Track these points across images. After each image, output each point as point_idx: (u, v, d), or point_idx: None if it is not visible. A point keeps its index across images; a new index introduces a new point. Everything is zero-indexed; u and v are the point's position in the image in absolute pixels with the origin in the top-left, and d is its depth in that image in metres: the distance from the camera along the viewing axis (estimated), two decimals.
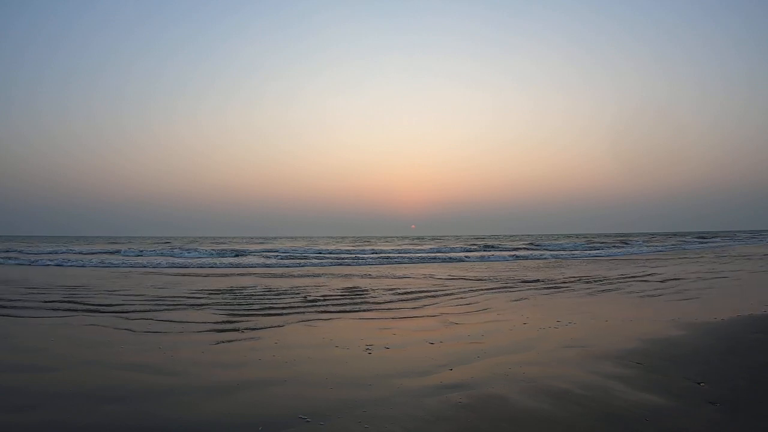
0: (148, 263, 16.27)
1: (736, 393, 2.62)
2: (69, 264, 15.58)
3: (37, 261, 16.25)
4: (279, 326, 4.94)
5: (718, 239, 36.73)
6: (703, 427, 2.20)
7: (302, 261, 17.78)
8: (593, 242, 37.55)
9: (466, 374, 3.07)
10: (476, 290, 8.01)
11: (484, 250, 24.40)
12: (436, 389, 2.79)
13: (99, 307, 6.30)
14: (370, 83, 79.28)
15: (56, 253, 20.76)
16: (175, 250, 22.94)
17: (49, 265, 15.35)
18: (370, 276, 11.22)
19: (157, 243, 37.18)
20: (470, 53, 73.62)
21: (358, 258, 18.56)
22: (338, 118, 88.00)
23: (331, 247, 27.89)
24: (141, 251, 22.64)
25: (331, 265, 16.02)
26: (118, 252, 22.54)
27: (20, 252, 21.32)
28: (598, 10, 61.80)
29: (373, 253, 21.58)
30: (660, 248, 25.72)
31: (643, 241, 34.50)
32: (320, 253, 22.30)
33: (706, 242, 33.10)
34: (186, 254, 21.23)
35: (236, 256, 21.02)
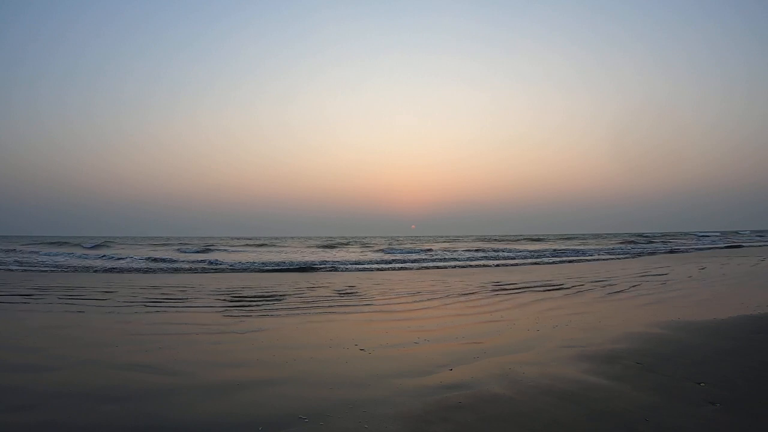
0: None
1: (736, 393, 2.62)
2: None
3: None
4: (278, 326, 4.94)
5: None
6: (703, 427, 2.20)
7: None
8: (591, 243, 37.57)
9: (466, 374, 3.07)
10: (475, 291, 8.01)
11: (480, 255, 24.24)
12: (435, 389, 2.78)
13: (97, 307, 6.30)
14: (370, 83, 79.41)
15: None
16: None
17: None
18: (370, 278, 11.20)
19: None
20: (470, 53, 73.74)
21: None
22: (338, 118, 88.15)
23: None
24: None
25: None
26: None
27: None
28: (598, 10, 61.85)
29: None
30: (659, 248, 25.72)
31: (652, 241, 34.49)
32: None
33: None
34: None
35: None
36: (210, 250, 27.85)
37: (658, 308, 5.74)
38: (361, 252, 26.68)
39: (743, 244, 27.20)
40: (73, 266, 15.33)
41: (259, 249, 30.54)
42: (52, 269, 14.27)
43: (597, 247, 28.53)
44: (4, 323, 5.24)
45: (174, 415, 2.41)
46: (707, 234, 53.69)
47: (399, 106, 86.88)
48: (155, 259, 18.35)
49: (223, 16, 66.50)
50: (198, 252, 25.81)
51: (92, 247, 30.04)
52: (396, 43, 72.99)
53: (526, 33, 67.38)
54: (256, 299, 7.18)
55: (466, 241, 43.88)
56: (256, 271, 14.05)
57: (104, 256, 20.53)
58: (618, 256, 20.06)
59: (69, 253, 22.26)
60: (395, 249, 27.49)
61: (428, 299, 6.94)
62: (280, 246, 35.44)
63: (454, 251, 24.80)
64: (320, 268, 14.80)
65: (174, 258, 19.30)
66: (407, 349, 3.84)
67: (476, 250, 24.75)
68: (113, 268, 14.60)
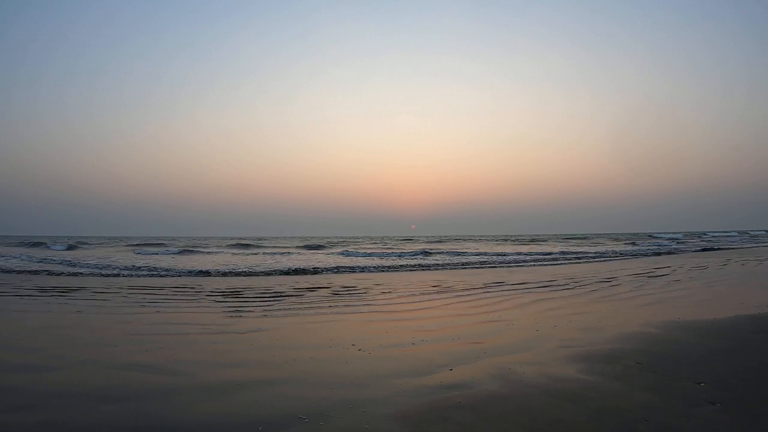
0: None
1: (735, 393, 2.62)
2: None
3: None
4: (278, 326, 4.94)
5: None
6: (703, 427, 2.20)
7: None
8: (590, 243, 37.59)
9: (466, 374, 3.07)
10: (475, 291, 8.01)
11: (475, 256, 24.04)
12: (435, 389, 2.79)
13: (97, 307, 6.30)
14: (370, 83, 79.53)
15: None
16: None
17: None
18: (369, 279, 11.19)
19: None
20: (470, 53, 73.82)
21: None
22: (338, 118, 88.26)
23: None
24: None
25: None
26: None
27: None
28: (598, 10, 61.91)
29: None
30: (660, 248, 25.73)
31: (658, 240, 34.45)
32: None
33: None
34: None
35: None
36: (190, 251, 26.62)
37: (658, 308, 5.74)
38: (326, 252, 25.63)
39: (716, 247, 26.94)
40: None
41: (233, 250, 29.56)
42: None
43: (596, 248, 28.52)
44: (4, 323, 5.24)
45: (174, 415, 2.41)
46: (726, 234, 53.60)
47: (399, 106, 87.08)
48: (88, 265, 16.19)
49: (223, 16, 66.67)
50: (146, 255, 23.64)
51: (63, 249, 28.89)
52: (396, 43, 73.13)
53: (526, 33, 67.52)
54: (255, 299, 7.18)
55: (456, 242, 43.73)
56: (182, 275, 13.93)
57: (45, 259, 18.88)
58: (618, 257, 20.06)
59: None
60: (355, 252, 25.16)
61: (428, 299, 6.94)
62: (260, 247, 34.13)
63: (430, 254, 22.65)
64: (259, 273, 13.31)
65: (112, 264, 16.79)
66: (407, 349, 3.84)
67: (460, 253, 22.33)
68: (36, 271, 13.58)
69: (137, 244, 36.22)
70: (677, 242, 34.74)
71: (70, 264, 16.65)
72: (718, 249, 24.29)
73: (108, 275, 12.61)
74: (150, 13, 63.27)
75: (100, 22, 64.59)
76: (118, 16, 64.89)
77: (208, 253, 26.57)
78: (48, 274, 12.66)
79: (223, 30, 68.63)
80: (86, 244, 38.99)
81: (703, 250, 23.93)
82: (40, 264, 16.62)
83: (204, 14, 65.76)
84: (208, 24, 67.46)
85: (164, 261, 19.18)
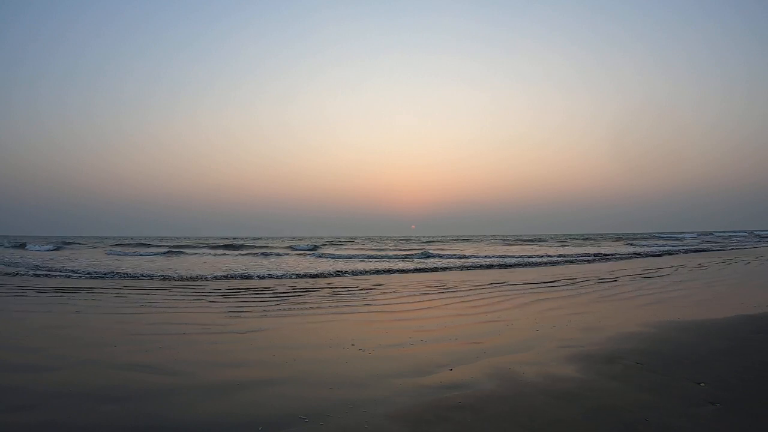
0: None
1: (735, 393, 2.62)
2: None
3: None
4: (278, 327, 4.94)
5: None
6: (703, 427, 2.20)
7: None
8: (590, 243, 37.57)
9: (466, 374, 3.07)
10: (475, 291, 8.01)
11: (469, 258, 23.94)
12: (435, 389, 2.79)
13: (96, 307, 6.30)
14: (370, 83, 79.59)
15: None
16: None
17: None
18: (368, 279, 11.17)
19: None
20: (470, 53, 73.85)
21: None
22: (338, 118, 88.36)
23: None
24: None
25: None
26: None
27: None
28: (598, 10, 61.95)
29: None
30: (662, 248, 25.72)
31: (653, 241, 34.44)
32: None
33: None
34: None
35: None
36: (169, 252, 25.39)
37: (658, 308, 5.74)
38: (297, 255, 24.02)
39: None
40: None
41: (218, 250, 28.78)
42: None
43: (596, 249, 28.49)
44: (4, 323, 5.24)
45: (174, 415, 2.41)
46: (734, 234, 53.39)
47: (399, 106, 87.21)
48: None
49: (223, 16, 66.76)
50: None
51: (42, 250, 27.95)
52: (396, 43, 73.21)
53: (526, 33, 67.62)
54: (255, 299, 7.18)
55: (456, 242, 43.72)
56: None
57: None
58: (618, 257, 20.05)
59: None
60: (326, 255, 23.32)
61: (428, 299, 6.94)
62: (254, 247, 32.78)
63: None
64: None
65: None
66: (407, 349, 3.84)
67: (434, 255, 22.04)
68: None
69: (114, 245, 35.16)
70: (681, 242, 34.71)
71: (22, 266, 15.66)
72: (720, 250, 24.28)
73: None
74: (150, 13, 63.43)
75: (100, 22, 64.79)
76: (118, 16, 65.07)
77: (192, 254, 25.08)
78: None
79: (223, 30, 68.81)
80: (75, 244, 38.56)
81: (705, 250, 23.93)
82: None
83: (204, 14, 65.92)
84: (208, 24, 67.64)
85: (138, 265, 16.98)
